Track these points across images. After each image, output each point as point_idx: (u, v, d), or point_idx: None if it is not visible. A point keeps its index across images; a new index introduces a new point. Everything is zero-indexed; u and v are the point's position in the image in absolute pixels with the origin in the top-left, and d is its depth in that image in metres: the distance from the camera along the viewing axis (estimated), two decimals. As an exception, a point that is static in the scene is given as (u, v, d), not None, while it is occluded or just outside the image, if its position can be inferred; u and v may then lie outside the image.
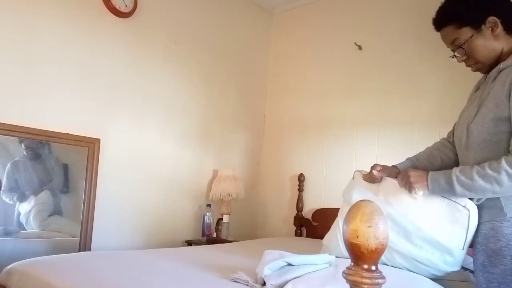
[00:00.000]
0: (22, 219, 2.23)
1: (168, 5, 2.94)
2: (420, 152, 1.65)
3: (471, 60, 1.41)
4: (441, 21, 1.43)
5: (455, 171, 1.31)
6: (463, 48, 1.38)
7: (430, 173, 1.38)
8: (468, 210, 1.38)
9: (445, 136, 1.69)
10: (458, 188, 1.29)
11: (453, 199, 1.41)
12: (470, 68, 1.45)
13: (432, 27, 1.48)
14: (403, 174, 1.47)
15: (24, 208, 2.23)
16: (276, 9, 3.71)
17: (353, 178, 1.76)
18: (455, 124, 1.57)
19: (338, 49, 3.21)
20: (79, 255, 1.97)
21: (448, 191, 1.34)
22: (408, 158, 1.63)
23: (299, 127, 3.38)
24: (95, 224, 2.46)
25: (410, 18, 2.86)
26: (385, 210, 1.49)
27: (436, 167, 1.55)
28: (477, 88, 1.51)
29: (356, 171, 1.77)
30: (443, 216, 1.45)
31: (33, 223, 2.27)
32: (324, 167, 3.19)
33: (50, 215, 2.34)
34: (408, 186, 1.43)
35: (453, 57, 1.45)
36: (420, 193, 1.41)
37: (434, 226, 1.48)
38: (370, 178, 1.63)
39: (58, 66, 2.38)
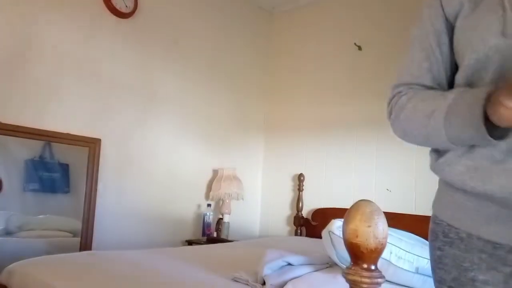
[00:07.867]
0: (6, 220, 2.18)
1: (169, 5, 2.95)
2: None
3: None
4: None
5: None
6: None
7: None
8: None
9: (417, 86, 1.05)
10: None
11: None
12: None
13: None
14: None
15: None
16: (276, 9, 3.71)
17: (329, 235, 1.55)
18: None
19: (338, 49, 3.22)
20: (80, 254, 1.97)
21: None
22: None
23: (299, 127, 3.38)
24: (96, 224, 2.47)
25: (410, 18, 2.86)
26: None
27: None
28: None
29: (330, 231, 1.54)
30: None
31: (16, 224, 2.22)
32: (324, 167, 3.20)
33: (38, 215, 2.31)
34: None
35: None
36: None
37: None
38: None
39: (59, 66, 2.38)
